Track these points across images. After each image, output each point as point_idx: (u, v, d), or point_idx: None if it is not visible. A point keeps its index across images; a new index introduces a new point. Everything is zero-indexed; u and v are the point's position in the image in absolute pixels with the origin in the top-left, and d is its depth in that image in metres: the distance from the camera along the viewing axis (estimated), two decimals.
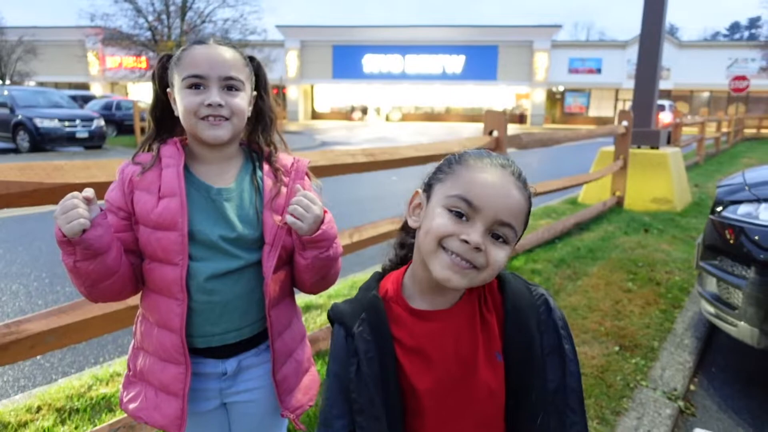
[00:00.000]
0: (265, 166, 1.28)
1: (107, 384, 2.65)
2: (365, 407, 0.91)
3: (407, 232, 1.06)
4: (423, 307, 0.96)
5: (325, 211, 1.19)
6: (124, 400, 1.31)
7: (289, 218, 1.15)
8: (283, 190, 1.25)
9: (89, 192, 1.08)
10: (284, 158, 1.32)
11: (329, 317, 1.01)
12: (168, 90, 1.25)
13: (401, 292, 0.98)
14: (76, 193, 1.08)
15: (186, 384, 1.22)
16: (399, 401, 0.92)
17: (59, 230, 1.06)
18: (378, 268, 1.10)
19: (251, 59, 1.30)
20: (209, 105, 1.17)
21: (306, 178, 1.31)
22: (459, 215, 0.88)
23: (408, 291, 0.98)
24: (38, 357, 2.91)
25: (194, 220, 1.19)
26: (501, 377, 0.94)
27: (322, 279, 1.28)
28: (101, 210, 1.11)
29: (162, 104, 1.27)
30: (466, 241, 0.86)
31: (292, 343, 1.33)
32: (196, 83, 1.18)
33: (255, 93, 1.30)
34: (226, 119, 1.20)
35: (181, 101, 1.20)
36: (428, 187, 0.96)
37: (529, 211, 0.93)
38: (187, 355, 1.21)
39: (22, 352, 1.60)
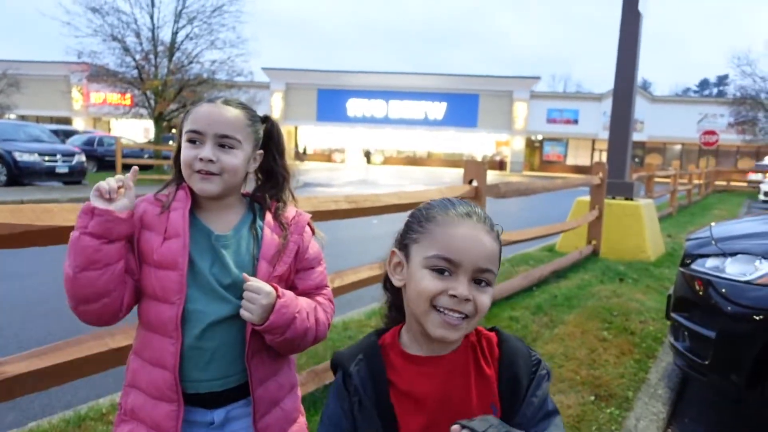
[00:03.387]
0: (268, 217, 1.33)
1: (79, 427, 2.59)
2: None
3: (392, 291, 1.11)
4: (418, 354, 1.02)
5: (278, 296, 1.22)
6: None
7: (241, 311, 1.21)
8: (283, 242, 1.30)
9: (134, 171, 1.26)
10: (287, 210, 1.37)
11: (332, 366, 1.07)
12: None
13: (398, 340, 1.05)
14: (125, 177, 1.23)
15: (178, 422, 1.23)
16: None
17: (88, 201, 1.18)
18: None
19: (265, 120, 1.37)
20: (201, 159, 1.24)
21: (307, 230, 1.37)
22: (441, 272, 0.95)
23: (404, 340, 1.05)
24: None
25: (195, 261, 1.24)
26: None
27: (293, 349, 1.33)
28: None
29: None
30: (454, 296, 0.93)
31: (277, 392, 1.34)
32: (194, 138, 1.26)
33: (261, 151, 1.36)
34: (216, 175, 1.26)
35: (182, 153, 1.28)
36: (404, 247, 1.02)
37: (500, 251, 1.02)
38: (179, 393, 1.23)
39: (2, 395, 1.59)
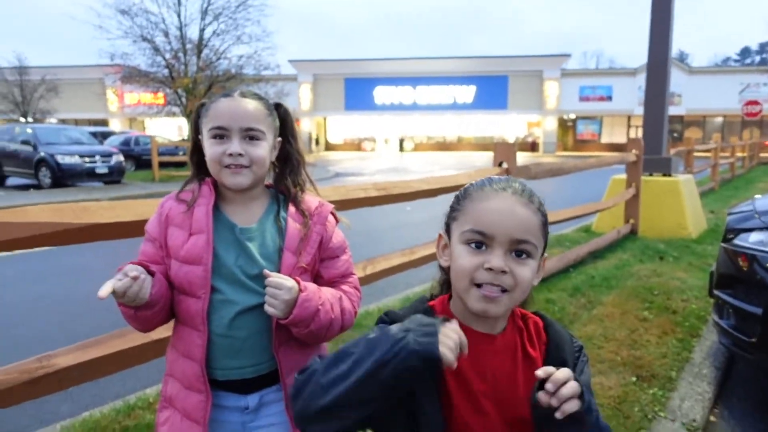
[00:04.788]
0: (291, 208, 1.35)
1: (128, 416, 2.69)
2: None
3: (445, 270, 1.10)
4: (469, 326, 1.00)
5: (300, 290, 1.23)
6: (159, 423, 1.36)
7: (265, 306, 1.22)
8: (307, 233, 1.32)
9: (134, 271, 1.16)
10: (310, 201, 1.39)
11: (381, 322, 1.03)
12: (200, 137, 1.35)
13: (449, 308, 1.04)
14: (129, 280, 1.15)
15: (206, 412, 1.27)
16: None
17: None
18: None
19: (278, 107, 1.39)
20: (230, 154, 1.26)
21: (330, 219, 1.38)
22: (478, 246, 0.95)
23: (454, 309, 1.04)
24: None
25: (220, 255, 1.27)
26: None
27: (320, 340, 1.34)
28: (149, 271, 1.21)
29: (199, 149, 1.36)
30: (491, 269, 0.93)
31: None
32: (220, 134, 1.28)
33: (280, 138, 1.38)
34: (246, 167, 1.28)
35: (207, 150, 1.30)
36: (447, 227, 1.04)
37: (543, 222, 0.99)
38: (207, 384, 1.27)
39: (52, 386, 1.67)
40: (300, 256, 1.30)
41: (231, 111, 1.28)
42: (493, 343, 1.00)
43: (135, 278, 1.14)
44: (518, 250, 0.95)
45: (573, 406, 0.86)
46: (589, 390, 0.97)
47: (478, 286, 0.94)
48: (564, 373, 0.87)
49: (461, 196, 1.02)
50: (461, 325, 0.98)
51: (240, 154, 1.27)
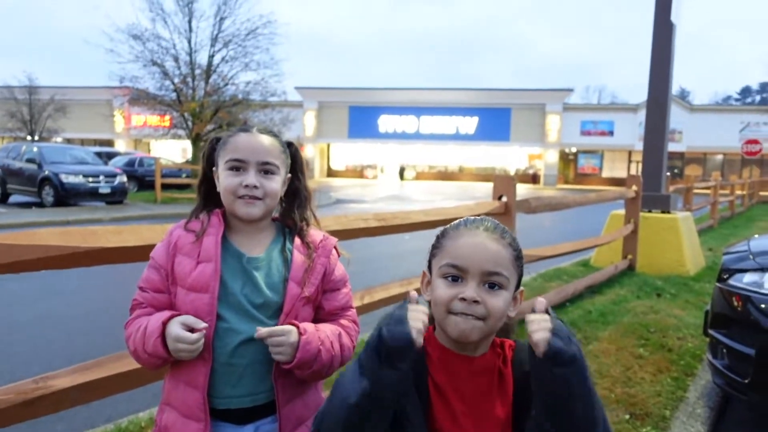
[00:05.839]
0: (297, 240, 1.41)
1: None
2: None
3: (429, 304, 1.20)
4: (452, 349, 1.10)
5: (301, 333, 1.28)
6: None
7: (274, 356, 1.28)
8: (311, 265, 1.37)
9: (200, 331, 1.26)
10: (314, 234, 1.44)
11: None
12: (213, 169, 1.41)
13: (434, 334, 1.12)
14: (196, 337, 1.24)
15: None
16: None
17: (165, 349, 1.26)
18: None
19: (289, 145, 1.46)
20: (246, 186, 1.32)
21: (333, 253, 1.44)
22: (454, 279, 1.05)
23: (438, 337, 1.12)
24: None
25: (227, 284, 1.31)
26: (509, 412, 1.07)
27: (320, 378, 1.38)
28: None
29: (208, 180, 1.42)
30: (464, 299, 1.02)
31: (304, 412, 1.38)
32: (237, 166, 1.34)
33: (290, 174, 1.45)
34: (260, 199, 1.34)
35: (222, 181, 1.36)
36: (429, 264, 1.13)
37: (516, 256, 1.08)
38: (207, 413, 1.29)
39: (48, 408, 1.69)
40: (304, 287, 1.34)
41: (250, 145, 1.35)
42: (472, 365, 1.07)
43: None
44: (491, 282, 1.04)
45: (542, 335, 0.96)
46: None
47: (455, 314, 1.03)
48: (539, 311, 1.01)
49: (440, 235, 1.13)
50: (442, 349, 1.08)
51: (255, 186, 1.32)
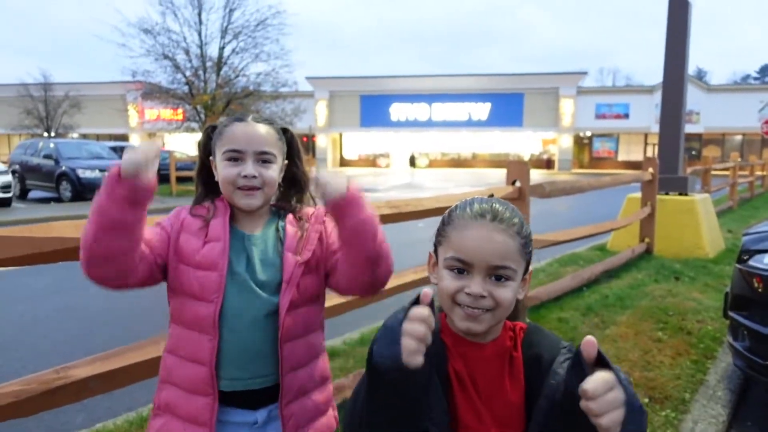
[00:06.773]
0: (289, 216, 1.42)
1: (141, 428, 2.73)
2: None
3: None
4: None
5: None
6: (152, 430, 1.37)
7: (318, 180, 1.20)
8: (304, 234, 1.38)
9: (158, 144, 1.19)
10: (307, 209, 1.46)
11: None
12: (210, 158, 1.41)
13: (446, 321, 1.09)
14: (158, 144, 1.17)
15: (213, 414, 1.29)
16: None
17: (118, 167, 1.15)
18: None
19: (284, 131, 1.45)
20: (245, 176, 1.33)
21: (328, 219, 1.41)
22: (460, 272, 1.02)
23: (449, 323, 1.09)
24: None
25: (232, 262, 1.32)
26: (521, 396, 1.04)
27: (373, 263, 1.28)
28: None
29: (207, 169, 1.43)
30: (470, 294, 0.99)
31: (308, 382, 1.38)
32: (234, 156, 1.34)
33: (287, 161, 1.45)
34: (259, 188, 1.35)
35: (221, 171, 1.36)
36: (435, 248, 1.10)
37: (524, 243, 1.04)
38: (215, 386, 1.29)
39: (68, 397, 1.72)
40: (301, 254, 1.35)
41: (246, 135, 1.35)
42: (484, 351, 1.06)
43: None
44: (497, 275, 1.01)
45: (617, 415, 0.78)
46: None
47: (461, 306, 1.01)
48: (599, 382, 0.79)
49: (446, 220, 1.08)
50: (454, 336, 1.06)
51: (254, 176, 1.33)
